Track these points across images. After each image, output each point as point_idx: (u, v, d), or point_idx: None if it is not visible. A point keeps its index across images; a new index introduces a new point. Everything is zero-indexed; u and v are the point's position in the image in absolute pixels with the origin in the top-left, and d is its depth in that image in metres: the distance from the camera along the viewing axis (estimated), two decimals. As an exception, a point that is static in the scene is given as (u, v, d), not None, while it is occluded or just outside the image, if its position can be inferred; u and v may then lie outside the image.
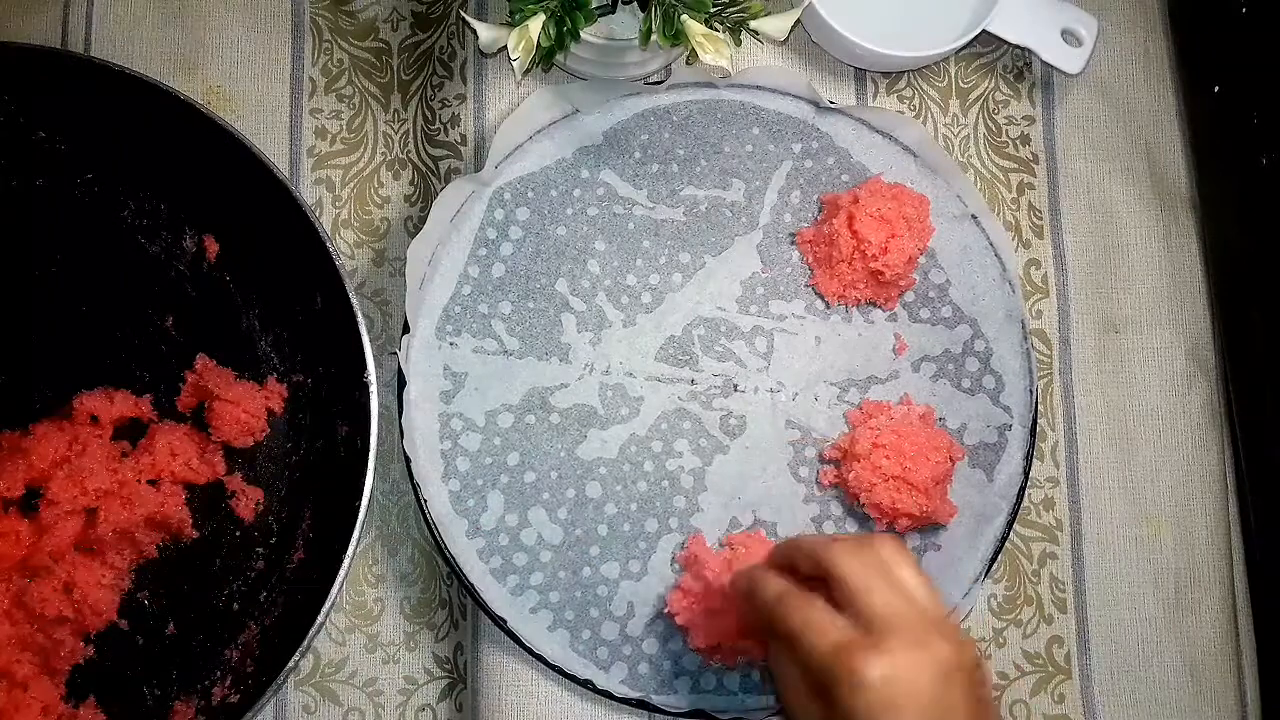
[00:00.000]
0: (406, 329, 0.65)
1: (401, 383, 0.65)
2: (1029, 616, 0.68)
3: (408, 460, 0.64)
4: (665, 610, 0.64)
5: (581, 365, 0.67)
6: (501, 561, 0.65)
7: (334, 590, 0.60)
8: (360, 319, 0.62)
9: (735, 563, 0.63)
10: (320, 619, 0.60)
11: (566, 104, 0.68)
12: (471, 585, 0.64)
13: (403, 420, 0.64)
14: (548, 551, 0.65)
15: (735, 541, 0.65)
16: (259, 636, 0.63)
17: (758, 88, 0.69)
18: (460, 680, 0.66)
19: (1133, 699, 0.68)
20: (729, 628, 0.62)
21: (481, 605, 0.64)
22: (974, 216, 0.68)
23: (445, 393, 0.66)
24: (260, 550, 0.65)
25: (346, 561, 0.60)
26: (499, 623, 0.64)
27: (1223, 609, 0.69)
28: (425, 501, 0.64)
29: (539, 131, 0.67)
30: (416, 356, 0.65)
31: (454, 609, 0.66)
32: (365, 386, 0.62)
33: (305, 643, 0.59)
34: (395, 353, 0.65)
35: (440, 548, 0.64)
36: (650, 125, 0.68)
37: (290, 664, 0.59)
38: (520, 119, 0.67)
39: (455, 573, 0.64)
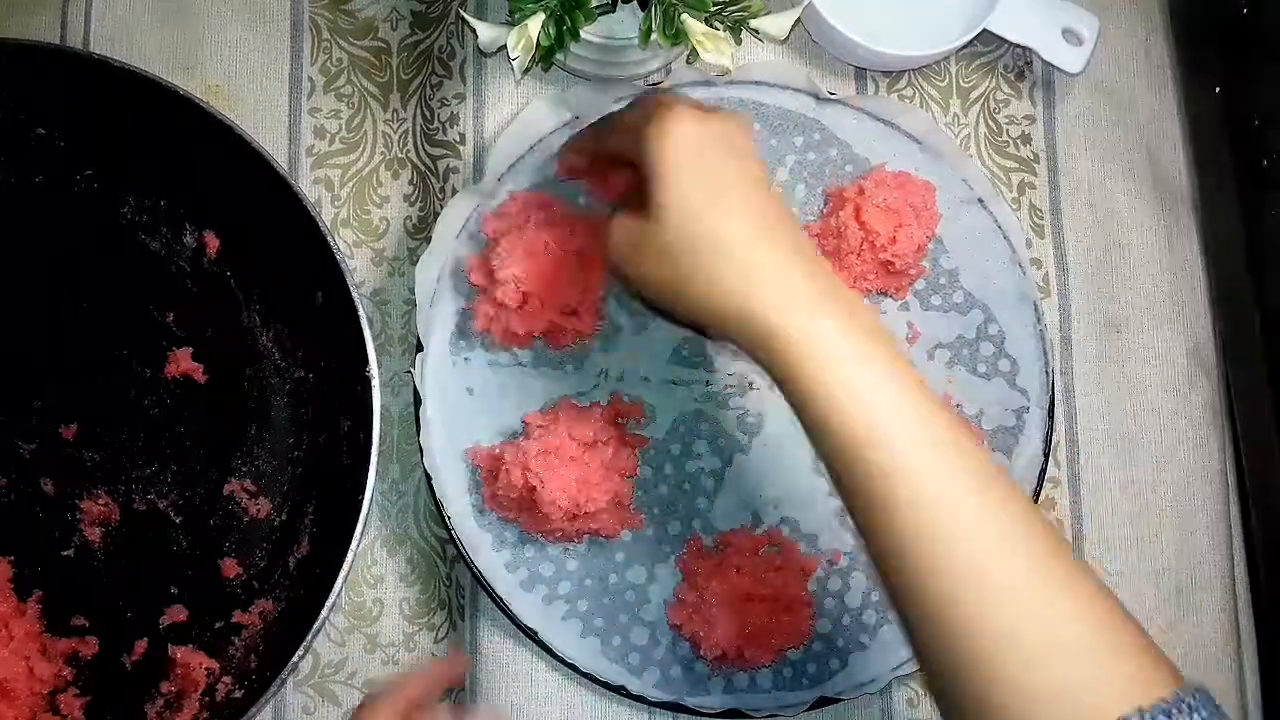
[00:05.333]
0: (420, 347, 0.65)
1: (418, 401, 0.64)
2: (1030, 617, 0.67)
3: (429, 477, 0.64)
4: (668, 623, 0.64)
5: (595, 373, 0.66)
6: (528, 573, 0.64)
7: (338, 585, 0.60)
8: (362, 314, 0.62)
9: (726, 565, 0.63)
10: (324, 613, 0.59)
11: (566, 111, 0.67)
12: (500, 598, 0.63)
13: (421, 439, 0.64)
14: (574, 560, 0.65)
15: (725, 540, 0.65)
16: (262, 632, 0.63)
17: (756, 83, 0.68)
18: (459, 681, 0.65)
19: (1134, 700, 0.67)
20: (732, 634, 0.61)
21: (511, 618, 0.63)
22: (980, 200, 0.68)
23: (463, 408, 0.65)
24: (264, 546, 0.65)
25: (350, 556, 0.60)
26: (530, 634, 0.63)
27: (1224, 609, 0.69)
28: (450, 518, 0.64)
29: (539, 141, 0.67)
30: (431, 374, 0.65)
31: (453, 610, 0.66)
32: (367, 381, 0.62)
33: (309, 638, 0.59)
34: (410, 371, 0.65)
35: (468, 563, 0.64)
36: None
37: (294, 659, 0.59)
38: (519, 129, 0.67)
39: (483, 588, 0.63)
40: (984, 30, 0.68)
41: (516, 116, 0.67)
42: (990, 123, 0.71)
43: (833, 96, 0.68)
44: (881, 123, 0.68)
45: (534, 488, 0.61)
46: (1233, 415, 0.72)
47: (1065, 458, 0.69)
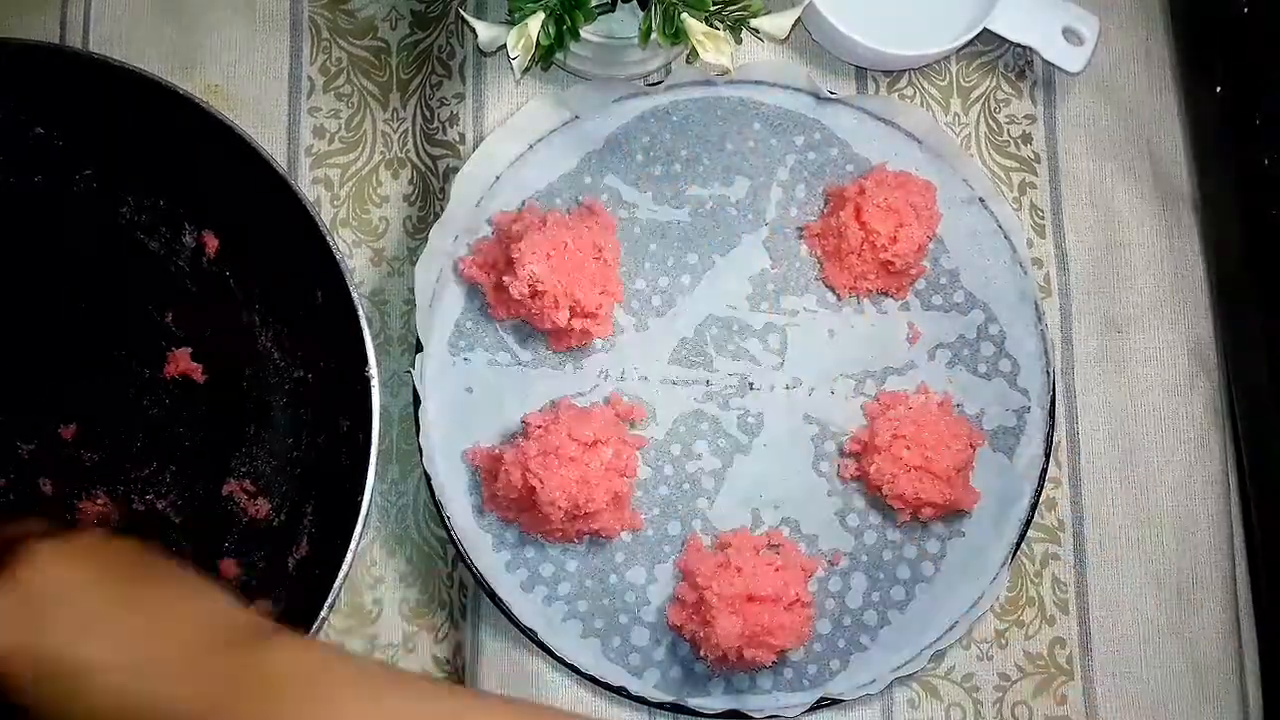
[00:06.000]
0: (419, 348, 0.65)
1: (417, 401, 0.64)
2: (1031, 618, 0.67)
3: (428, 478, 0.63)
4: (668, 624, 0.64)
5: (595, 373, 0.66)
6: (528, 574, 0.64)
7: (337, 585, 0.60)
8: (361, 313, 0.62)
9: (727, 565, 0.63)
10: (324, 614, 0.59)
11: (565, 111, 0.67)
12: (500, 599, 0.63)
13: (420, 439, 0.64)
14: (574, 560, 0.65)
15: (726, 541, 0.65)
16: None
17: (757, 82, 0.68)
18: (460, 681, 0.65)
19: (1135, 700, 0.67)
20: (732, 635, 0.61)
21: (511, 619, 0.63)
22: (981, 200, 0.68)
23: (463, 408, 0.65)
24: (263, 547, 0.65)
25: (349, 556, 0.60)
26: (529, 635, 0.63)
27: (1225, 610, 0.69)
28: (449, 519, 0.63)
29: (539, 140, 0.67)
30: (431, 374, 0.65)
31: (453, 610, 0.66)
32: (367, 382, 0.62)
33: (309, 638, 0.59)
34: (410, 371, 0.65)
35: (467, 564, 0.63)
36: (651, 127, 0.68)
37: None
38: (519, 126, 0.67)
39: (483, 588, 0.63)
40: (984, 30, 0.68)
41: (515, 113, 0.67)
42: (991, 122, 0.71)
43: (833, 96, 0.68)
44: (882, 122, 0.68)
45: (534, 488, 0.61)
46: (1233, 415, 0.72)
47: (1065, 458, 0.69)
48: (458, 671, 0.65)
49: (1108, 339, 0.70)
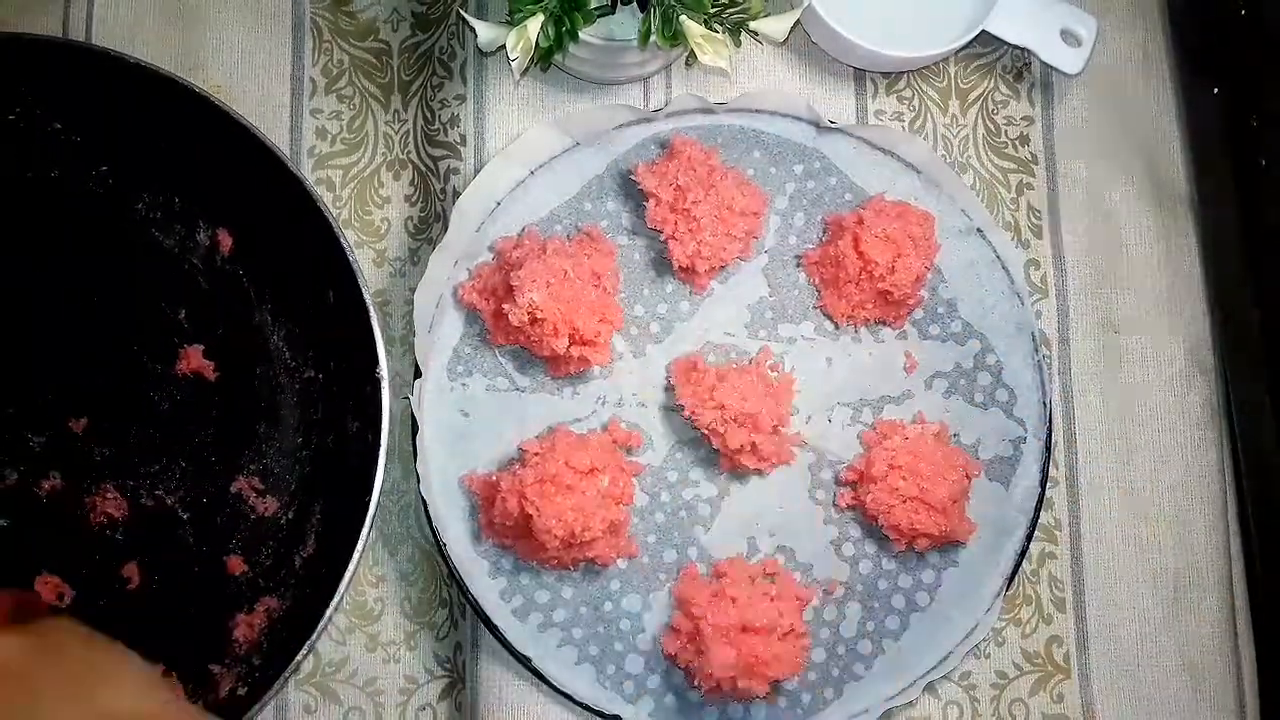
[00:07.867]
0: (418, 373, 0.65)
1: (415, 428, 0.64)
2: (1028, 616, 0.68)
3: (424, 502, 0.64)
4: (662, 652, 0.64)
5: (593, 399, 0.66)
6: (523, 600, 0.64)
7: (343, 585, 0.60)
8: (373, 314, 0.63)
9: (721, 595, 0.63)
10: (329, 612, 0.60)
11: (566, 137, 0.67)
12: (495, 626, 0.63)
13: (418, 465, 0.64)
14: (569, 587, 0.65)
15: (721, 569, 0.65)
16: (266, 630, 0.64)
17: (756, 111, 0.68)
18: (460, 680, 0.66)
19: (1131, 699, 0.68)
20: (727, 664, 0.61)
21: (506, 645, 0.63)
22: (979, 230, 0.68)
23: (460, 434, 0.65)
24: (270, 544, 0.65)
25: (356, 556, 0.60)
26: (524, 661, 0.63)
27: (1221, 609, 0.69)
28: (445, 545, 0.64)
29: (540, 166, 0.67)
30: (429, 400, 0.65)
31: (454, 609, 0.66)
32: (376, 382, 0.62)
33: (313, 637, 0.60)
34: (408, 397, 0.65)
35: (462, 589, 0.64)
36: (651, 154, 0.67)
37: (298, 658, 0.60)
38: (518, 154, 0.66)
39: (478, 614, 0.64)
40: (982, 31, 0.68)
41: (516, 139, 0.67)
42: (989, 123, 0.71)
43: (833, 125, 0.68)
44: (881, 152, 0.68)
45: (530, 516, 0.60)
46: (1231, 415, 0.72)
47: (1063, 458, 0.69)
48: (458, 670, 0.66)
49: (1105, 339, 0.70)
